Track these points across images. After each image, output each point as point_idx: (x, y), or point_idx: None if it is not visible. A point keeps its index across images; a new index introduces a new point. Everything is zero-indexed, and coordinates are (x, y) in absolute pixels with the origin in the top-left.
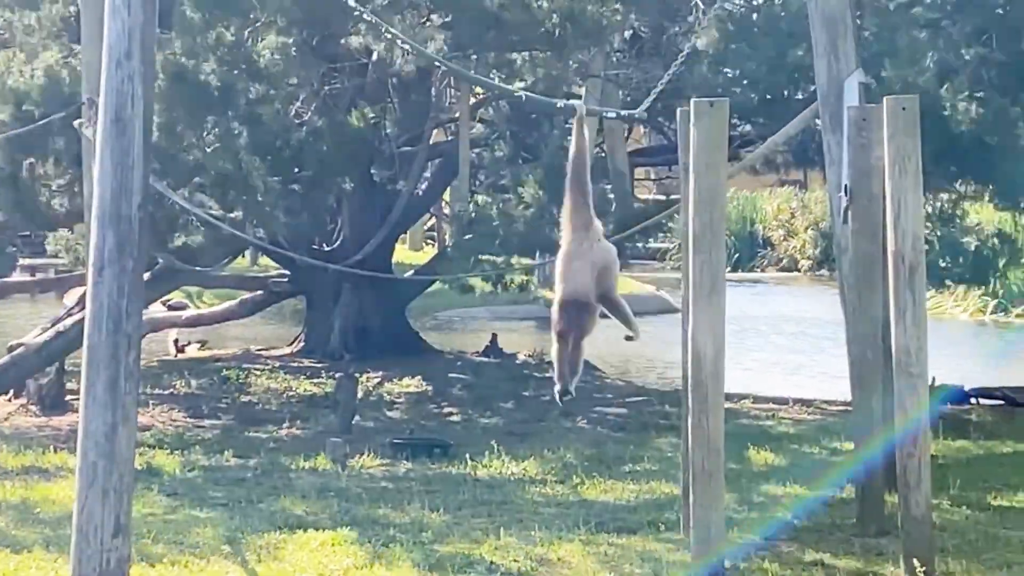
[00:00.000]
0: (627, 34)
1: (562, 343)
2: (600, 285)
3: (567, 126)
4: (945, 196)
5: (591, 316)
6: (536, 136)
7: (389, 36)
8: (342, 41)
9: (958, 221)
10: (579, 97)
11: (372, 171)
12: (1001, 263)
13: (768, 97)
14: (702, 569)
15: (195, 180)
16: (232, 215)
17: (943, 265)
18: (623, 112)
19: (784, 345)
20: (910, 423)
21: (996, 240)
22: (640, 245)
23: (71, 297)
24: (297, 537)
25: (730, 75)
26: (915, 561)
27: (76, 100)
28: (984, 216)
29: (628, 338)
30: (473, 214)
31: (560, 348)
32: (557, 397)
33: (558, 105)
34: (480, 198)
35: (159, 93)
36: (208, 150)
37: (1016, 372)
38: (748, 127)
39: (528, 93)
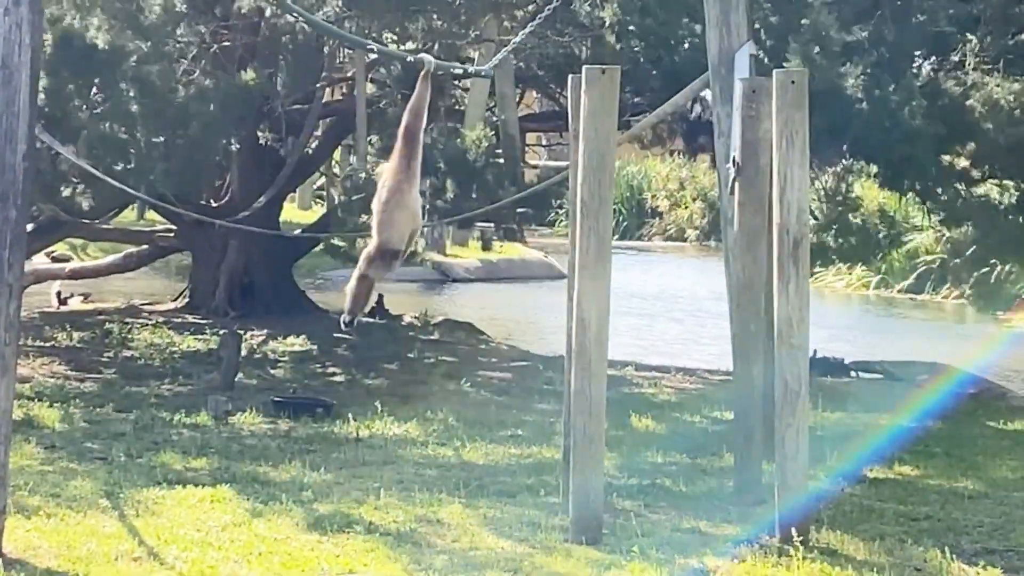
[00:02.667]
0: (530, 7)
1: (362, 283)
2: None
3: (458, 89)
4: (832, 172)
5: (396, 264)
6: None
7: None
8: (234, 5)
9: (844, 198)
10: (473, 61)
11: (260, 130)
12: (884, 241)
13: (660, 68)
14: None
15: (83, 139)
16: (114, 168)
17: (829, 242)
18: (471, 69)
19: (668, 314)
20: (789, 394)
21: (879, 219)
22: (528, 211)
23: None
24: (176, 493)
25: (622, 47)
26: (791, 530)
27: None
28: (870, 194)
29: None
30: (364, 174)
31: (359, 286)
32: (343, 324)
33: (408, 59)
34: (370, 159)
35: (46, 57)
36: (95, 111)
37: (896, 347)
38: (639, 99)
39: (379, 46)
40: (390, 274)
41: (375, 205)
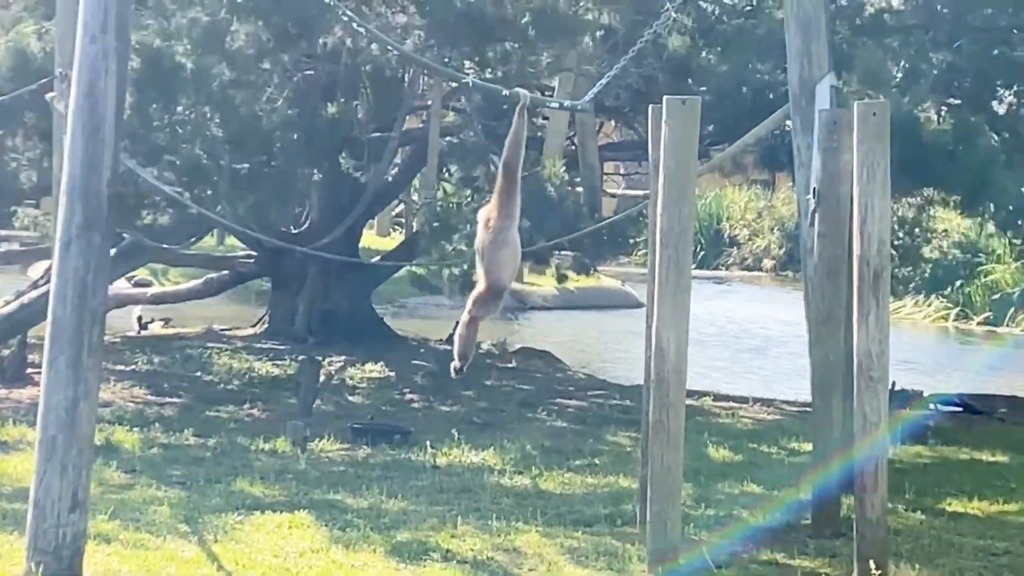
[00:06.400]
0: (599, 33)
1: (471, 326)
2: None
3: (538, 119)
4: (910, 203)
5: (502, 302)
6: (507, 127)
7: (364, 34)
8: (321, 41)
9: (922, 228)
10: (552, 90)
11: (342, 158)
12: (963, 271)
13: (737, 98)
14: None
15: (165, 159)
16: (194, 192)
17: (905, 273)
18: (566, 103)
19: (746, 344)
20: (868, 426)
21: (958, 250)
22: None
23: (36, 270)
24: (255, 518)
25: (700, 76)
26: (870, 564)
27: (47, 74)
28: (950, 224)
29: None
30: (440, 204)
31: (467, 330)
32: (454, 373)
33: (503, 93)
34: (449, 187)
35: (132, 74)
36: (179, 131)
37: (975, 380)
38: (717, 127)
39: (476, 80)
40: (496, 313)
41: (479, 245)
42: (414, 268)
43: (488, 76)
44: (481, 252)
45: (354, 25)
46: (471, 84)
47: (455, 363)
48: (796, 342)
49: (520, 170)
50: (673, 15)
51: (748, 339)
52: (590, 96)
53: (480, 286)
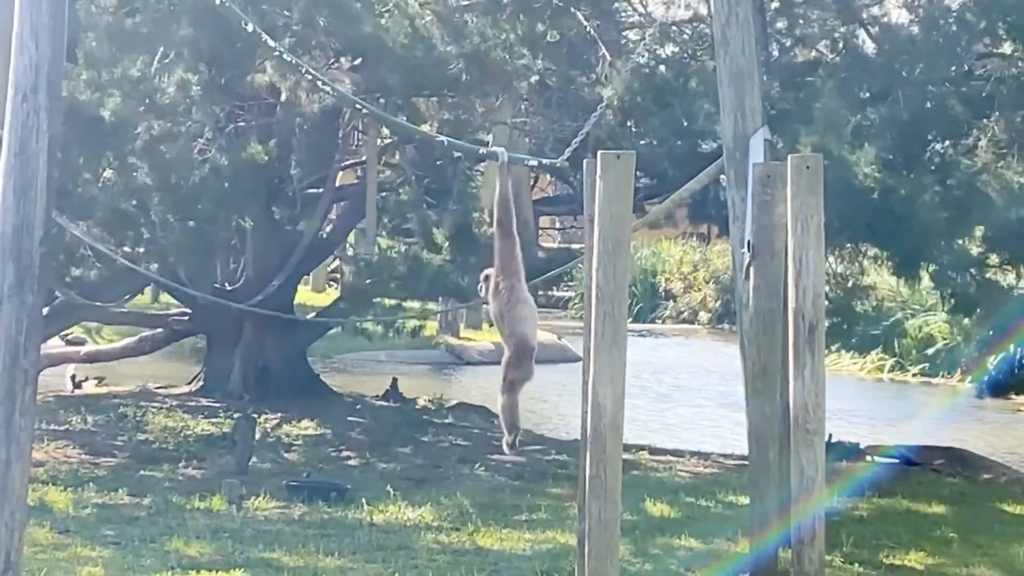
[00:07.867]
0: (534, 80)
1: (512, 393)
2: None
3: (472, 172)
4: (846, 257)
5: (533, 362)
6: (441, 181)
7: (305, 75)
8: (248, 79)
9: (857, 283)
10: (487, 143)
11: (274, 210)
12: (898, 325)
13: (672, 151)
14: None
15: (96, 214)
16: (127, 249)
17: (837, 323)
18: (544, 161)
19: (682, 397)
20: (805, 479)
21: (892, 304)
22: (542, 293)
23: None
24: None
25: (635, 129)
26: None
27: None
28: (883, 279)
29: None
30: (375, 258)
31: (510, 398)
32: (507, 448)
33: (481, 151)
34: (383, 241)
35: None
36: (106, 185)
37: (911, 431)
38: (652, 180)
39: (451, 139)
40: (531, 373)
41: (495, 309)
42: (352, 323)
43: (424, 128)
44: (498, 316)
45: (301, 69)
46: (445, 143)
47: (507, 438)
48: (732, 394)
49: (514, 227)
50: (610, 67)
51: (684, 392)
52: (567, 154)
53: (507, 350)
